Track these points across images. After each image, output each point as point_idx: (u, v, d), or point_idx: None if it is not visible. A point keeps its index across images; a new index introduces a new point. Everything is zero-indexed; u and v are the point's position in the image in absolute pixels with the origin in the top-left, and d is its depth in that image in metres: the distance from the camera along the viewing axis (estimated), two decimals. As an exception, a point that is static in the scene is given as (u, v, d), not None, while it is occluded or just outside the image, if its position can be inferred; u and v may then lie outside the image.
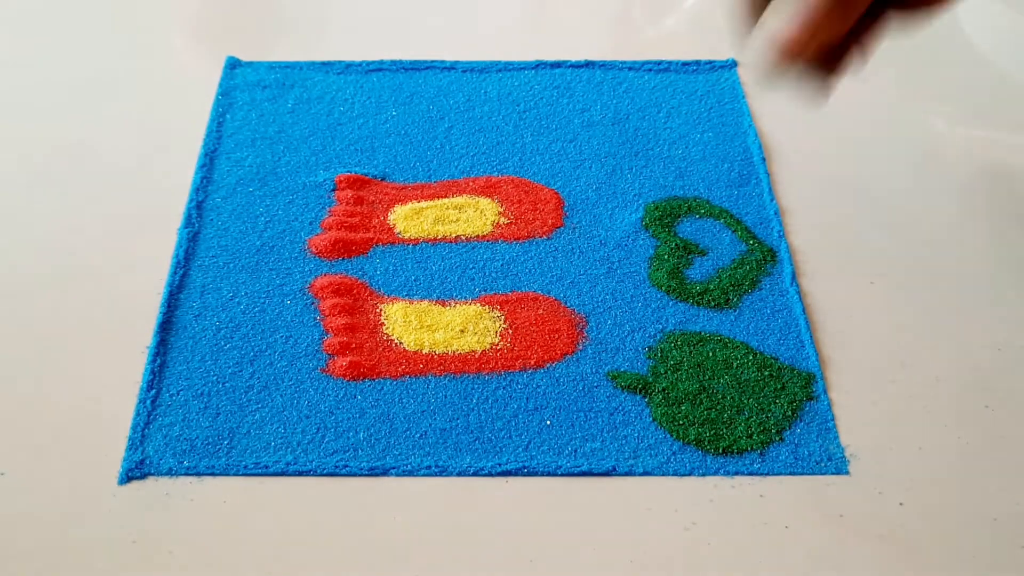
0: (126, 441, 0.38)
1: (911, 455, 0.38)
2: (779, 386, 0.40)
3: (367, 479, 0.37)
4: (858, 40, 0.38)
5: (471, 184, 0.48)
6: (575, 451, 0.38)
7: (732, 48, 0.55)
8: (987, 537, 0.36)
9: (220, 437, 0.38)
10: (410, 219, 0.47)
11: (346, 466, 0.37)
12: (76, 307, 0.43)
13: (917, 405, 0.40)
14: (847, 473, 0.38)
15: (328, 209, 0.47)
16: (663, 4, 0.61)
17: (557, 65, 0.55)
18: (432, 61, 0.55)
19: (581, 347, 0.42)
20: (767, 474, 0.38)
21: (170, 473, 0.37)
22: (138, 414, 0.39)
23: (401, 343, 0.41)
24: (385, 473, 0.37)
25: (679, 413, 0.39)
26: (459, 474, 0.37)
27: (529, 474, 0.37)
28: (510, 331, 0.42)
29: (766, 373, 0.41)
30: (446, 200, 0.48)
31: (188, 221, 0.46)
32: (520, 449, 0.38)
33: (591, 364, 0.41)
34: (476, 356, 0.41)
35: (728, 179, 0.49)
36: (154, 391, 0.40)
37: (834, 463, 0.38)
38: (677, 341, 0.42)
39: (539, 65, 0.55)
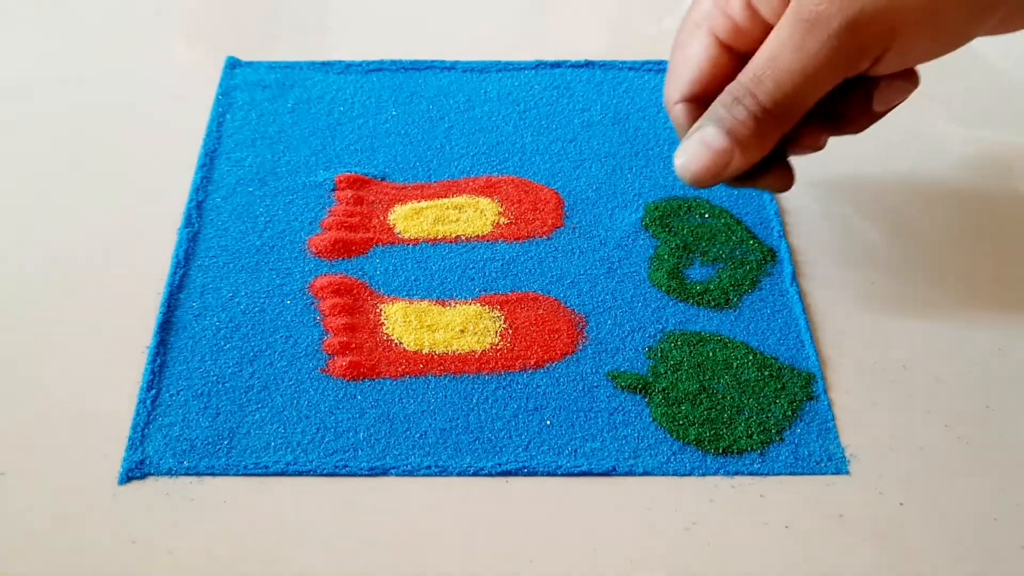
0: (126, 441, 0.38)
1: (911, 455, 0.38)
2: (779, 386, 0.40)
3: (367, 479, 0.37)
4: (798, 145, 0.39)
5: (471, 184, 0.48)
6: (575, 451, 0.38)
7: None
8: (987, 537, 0.36)
9: (220, 437, 0.38)
10: (410, 219, 0.47)
11: (346, 466, 0.37)
12: (76, 307, 0.43)
13: (917, 405, 0.40)
14: (847, 473, 0.38)
15: (328, 209, 0.47)
16: (663, 4, 0.61)
17: (557, 65, 0.55)
18: (432, 61, 0.55)
19: (581, 347, 0.42)
20: (767, 474, 0.38)
21: (170, 473, 0.37)
22: (138, 414, 0.39)
23: (401, 343, 0.41)
24: (385, 473, 0.37)
25: (679, 413, 0.39)
26: (459, 474, 0.37)
27: (529, 474, 0.38)
28: (510, 331, 0.42)
29: (766, 373, 0.41)
30: (446, 200, 0.48)
31: (188, 221, 0.46)
32: (520, 449, 0.38)
33: (591, 364, 0.41)
34: (476, 356, 0.41)
35: (728, 179, 0.49)
36: (154, 391, 0.40)
37: (834, 463, 0.38)
38: (677, 341, 0.42)
39: (539, 65, 0.55)
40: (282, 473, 0.37)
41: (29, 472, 0.37)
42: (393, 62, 0.55)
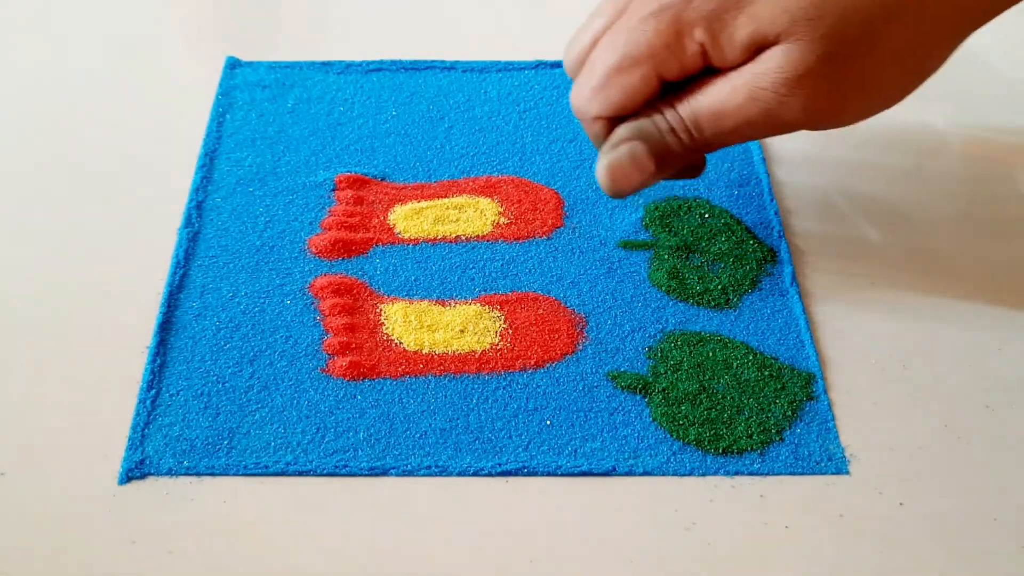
0: (126, 441, 0.38)
1: (911, 455, 0.38)
2: (779, 386, 0.40)
3: (367, 479, 0.37)
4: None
5: (471, 184, 0.48)
6: (575, 451, 0.38)
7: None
8: (987, 537, 0.36)
9: (220, 437, 0.38)
10: (410, 219, 0.47)
11: (346, 466, 0.37)
12: (76, 307, 0.43)
13: (917, 405, 0.40)
14: (847, 473, 0.38)
15: (328, 209, 0.47)
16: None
17: (557, 65, 0.55)
18: (432, 61, 0.55)
19: (581, 347, 0.42)
20: (767, 474, 0.38)
21: (170, 473, 0.37)
22: (138, 414, 0.39)
23: (401, 343, 0.41)
24: (385, 473, 0.37)
25: (679, 413, 0.39)
26: (459, 474, 0.37)
27: (529, 474, 0.37)
28: (510, 331, 0.42)
29: (766, 373, 0.41)
30: (446, 200, 0.48)
31: (188, 221, 0.46)
32: (520, 449, 0.38)
33: (591, 364, 0.41)
34: (476, 356, 0.41)
35: (728, 179, 0.49)
36: (154, 391, 0.40)
37: (834, 463, 0.38)
38: (677, 341, 0.42)
39: (539, 65, 0.55)
40: (282, 473, 0.37)
41: (29, 472, 0.37)
42: (393, 62, 0.55)
